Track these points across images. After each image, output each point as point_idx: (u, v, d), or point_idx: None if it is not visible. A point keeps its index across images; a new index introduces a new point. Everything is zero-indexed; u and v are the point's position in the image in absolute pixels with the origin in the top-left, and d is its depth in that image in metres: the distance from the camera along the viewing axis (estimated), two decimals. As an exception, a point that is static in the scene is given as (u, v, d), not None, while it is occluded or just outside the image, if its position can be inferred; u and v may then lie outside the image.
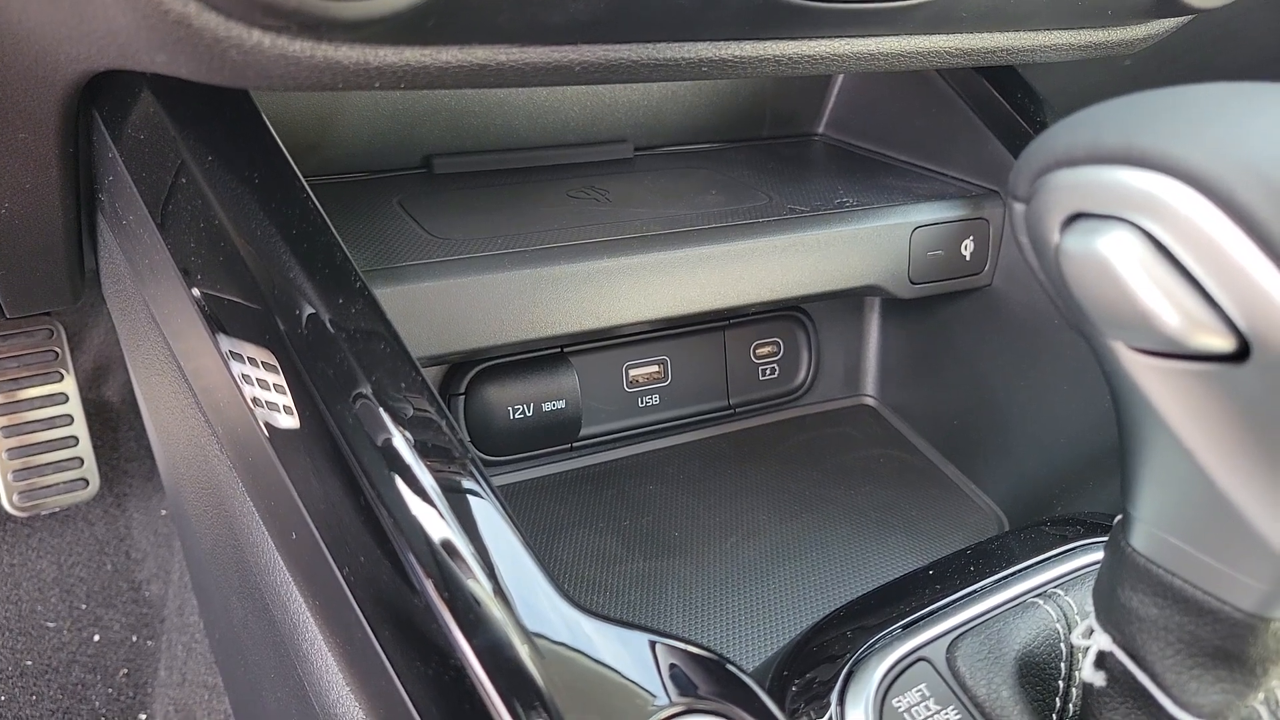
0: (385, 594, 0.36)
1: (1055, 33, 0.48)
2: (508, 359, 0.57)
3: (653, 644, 0.33)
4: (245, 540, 0.50)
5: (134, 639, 1.19)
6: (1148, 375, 0.29)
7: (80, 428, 1.10)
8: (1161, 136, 0.27)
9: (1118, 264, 0.27)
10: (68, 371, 1.10)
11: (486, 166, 0.64)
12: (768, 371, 0.67)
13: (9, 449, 1.06)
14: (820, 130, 0.75)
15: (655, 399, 0.64)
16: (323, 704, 0.46)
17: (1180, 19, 0.50)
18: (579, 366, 0.59)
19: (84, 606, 1.20)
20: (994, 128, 0.62)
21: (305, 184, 0.43)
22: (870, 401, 0.71)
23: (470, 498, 0.35)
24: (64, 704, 1.14)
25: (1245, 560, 0.30)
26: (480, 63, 0.37)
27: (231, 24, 0.32)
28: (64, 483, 1.11)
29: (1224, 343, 0.27)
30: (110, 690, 1.16)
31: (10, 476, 1.06)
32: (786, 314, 0.67)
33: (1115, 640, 0.34)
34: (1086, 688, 0.36)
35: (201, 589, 0.89)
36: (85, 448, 1.11)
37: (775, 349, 0.67)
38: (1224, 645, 0.32)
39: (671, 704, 0.31)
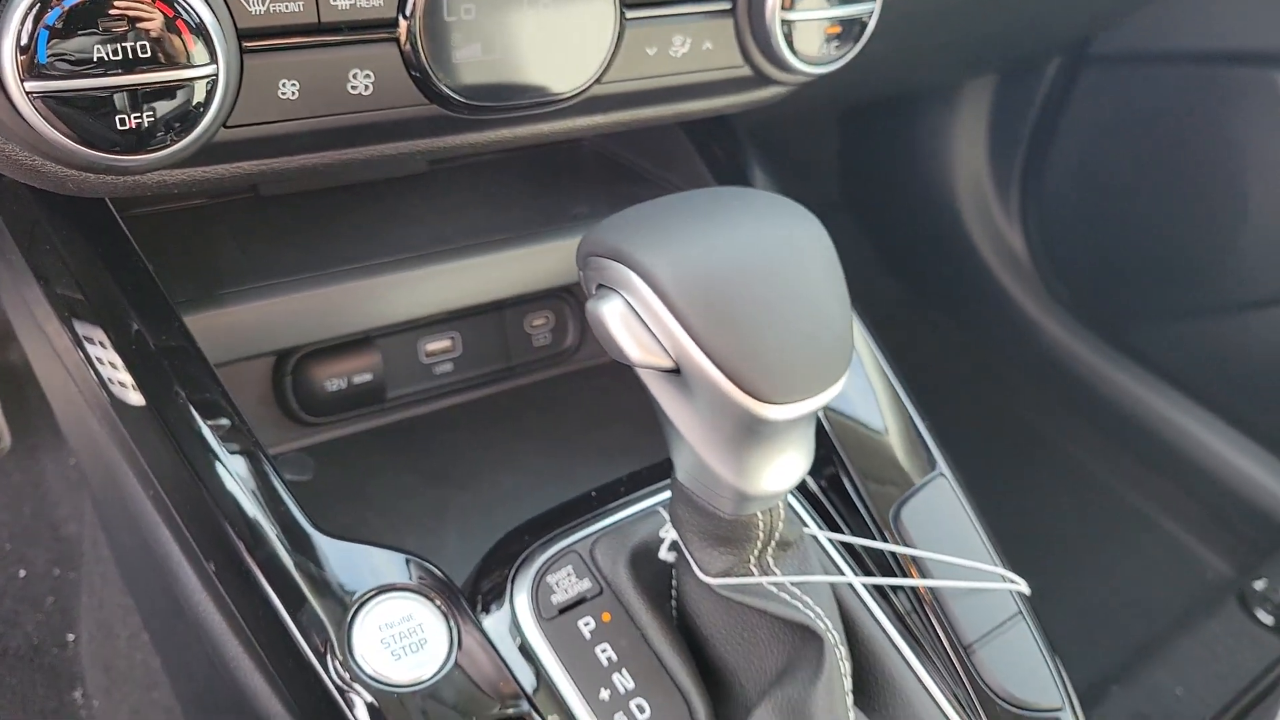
0: (205, 527, 0.55)
1: (691, 102, 0.66)
2: (325, 345, 0.75)
3: (373, 553, 0.53)
4: (125, 493, 0.67)
5: (57, 572, 1.35)
6: (646, 376, 0.48)
7: (-10, 394, 1.25)
8: (629, 242, 0.46)
9: (609, 319, 0.46)
10: (-27, 338, 1.23)
11: (303, 187, 0.80)
12: (541, 339, 0.86)
13: (-72, 411, 1.20)
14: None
15: (449, 366, 0.82)
16: (188, 601, 0.65)
17: (801, 81, 0.69)
18: (383, 346, 0.78)
19: (9, 547, 1.36)
20: (698, 148, 0.80)
21: (129, 235, 0.60)
22: (628, 357, 0.90)
23: (252, 464, 0.54)
24: (0, 630, 1.30)
25: (718, 486, 0.50)
26: (248, 171, 0.54)
27: (68, 170, 0.49)
28: (-20, 438, 1.26)
29: (667, 363, 0.46)
30: (40, 616, 1.33)
31: (-70, 435, 1.20)
32: (555, 293, 0.86)
33: (678, 533, 0.54)
34: (670, 563, 0.57)
35: (105, 525, 1.06)
36: (-4, 411, 1.26)
37: (546, 320, 0.86)
38: (720, 533, 0.52)
39: (375, 589, 0.50)
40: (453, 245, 0.74)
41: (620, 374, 0.90)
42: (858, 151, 1.98)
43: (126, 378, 0.57)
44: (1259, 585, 1.52)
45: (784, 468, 0.49)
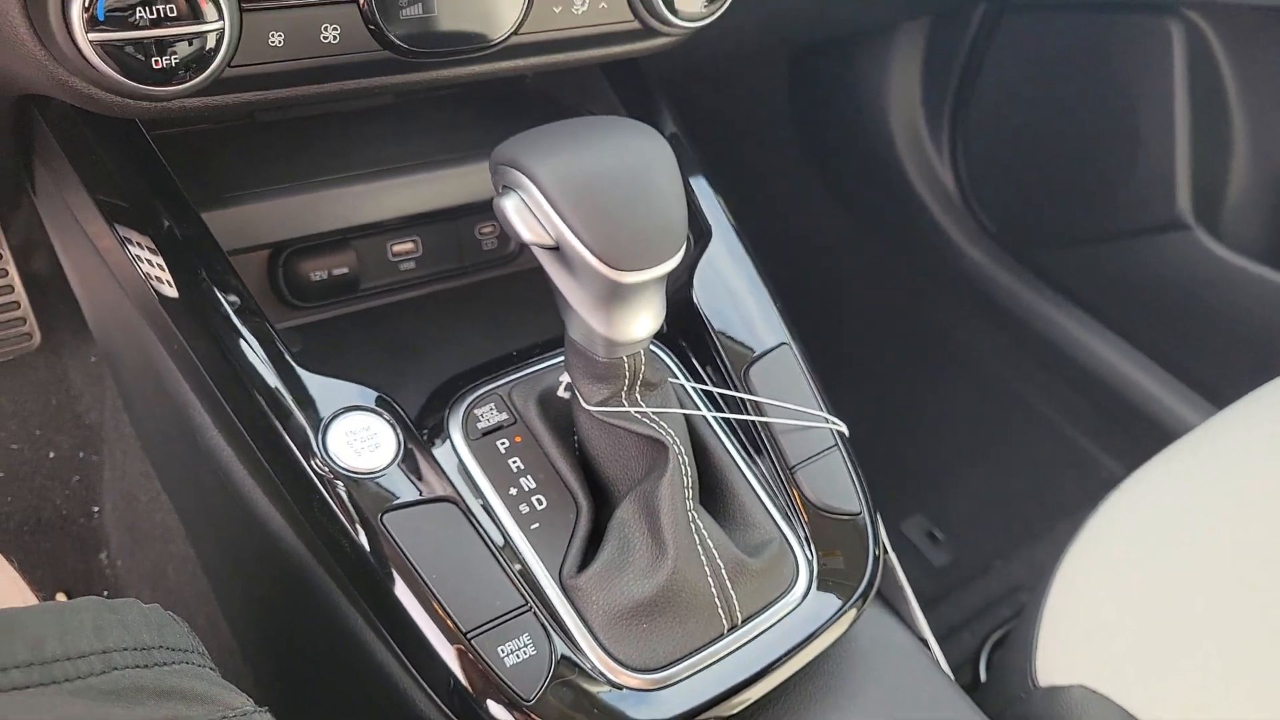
0: (220, 373, 0.74)
1: (594, 50, 0.83)
2: (308, 245, 0.93)
3: (345, 384, 0.72)
4: (157, 363, 0.86)
5: (81, 455, 1.54)
6: (538, 253, 0.67)
7: (20, 295, 1.42)
8: (522, 154, 0.64)
9: (508, 210, 0.64)
10: (4, 250, 1.40)
11: (291, 115, 0.98)
12: (489, 244, 1.04)
13: (-34, 313, 1.38)
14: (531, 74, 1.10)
15: (412, 264, 1.00)
16: (205, 447, 0.84)
17: (684, 32, 0.86)
18: (357, 246, 0.96)
19: (39, 433, 1.54)
20: (613, 84, 0.98)
21: (159, 153, 0.78)
22: (564, 260, 1.08)
23: (256, 327, 0.73)
24: (33, 502, 1.49)
25: (593, 336, 0.68)
26: (248, 101, 0.72)
27: (114, 97, 0.67)
28: (13, 336, 1.43)
29: (550, 242, 0.64)
30: (68, 492, 1.52)
31: (-31, 335, 1.38)
32: (501, 205, 1.04)
33: (570, 374, 0.73)
34: (567, 400, 0.76)
35: (130, 403, 1.25)
36: (26, 309, 1.43)
37: (493, 229, 1.04)
38: (598, 372, 0.70)
39: (343, 407, 0.70)
40: (414, 162, 0.92)
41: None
42: (806, 92, 2.14)
43: (165, 274, 0.75)
44: (1141, 479, 1.72)
45: (639, 322, 0.67)
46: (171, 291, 0.76)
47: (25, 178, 0.99)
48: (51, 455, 1.53)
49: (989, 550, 1.62)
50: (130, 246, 0.78)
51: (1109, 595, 0.91)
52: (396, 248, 0.99)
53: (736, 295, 0.86)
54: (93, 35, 0.60)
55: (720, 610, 0.70)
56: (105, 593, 1.44)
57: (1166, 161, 1.65)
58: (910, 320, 2.07)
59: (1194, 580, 0.90)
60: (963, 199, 2.03)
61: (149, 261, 0.77)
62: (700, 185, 0.94)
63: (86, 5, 0.59)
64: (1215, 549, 0.93)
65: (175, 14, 0.62)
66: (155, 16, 0.61)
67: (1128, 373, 1.80)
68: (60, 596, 1.42)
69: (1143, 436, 1.77)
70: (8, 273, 1.41)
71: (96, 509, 1.51)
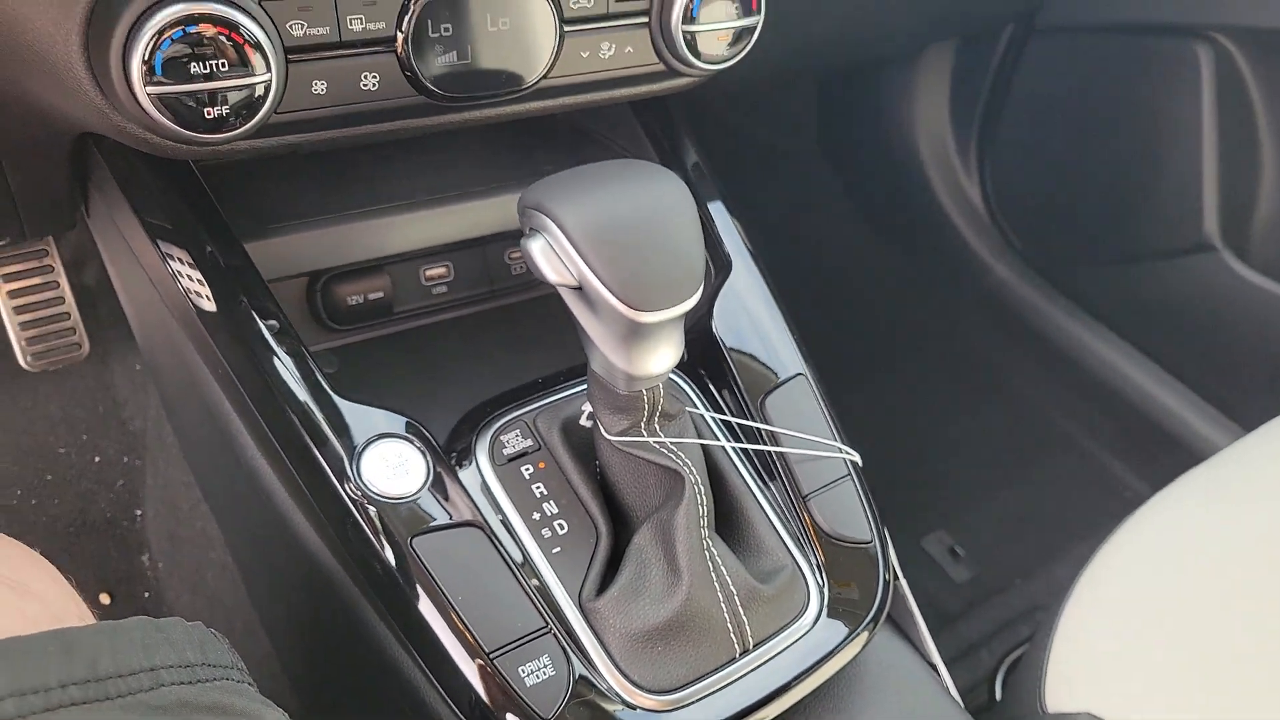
0: (260, 399, 0.78)
1: (620, 90, 0.87)
2: (345, 270, 0.97)
3: (378, 412, 0.75)
4: (195, 379, 0.90)
5: (125, 460, 1.60)
6: (562, 292, 0.70)
7: (71, 306, 1.48)
8: (548, 198, 0.67)
9: (534, 252, 0.67)
10: (57, 264, 1.47)
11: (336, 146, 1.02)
12: (518, 269, 1.07)
13: (22, 321, 1.44)
14: (560, 108, 1.13)
15: (444, 288, 1.04)
16: (245, 464, 0.88)
17: (708, 74, 0.89)
18: (391, 271, 1.00)
19: (85, 437, 1.60)
20: (637, 113, 1.01)
21: (203, 182, 0.82)
22: (590, 284, 1.12)
23: (293, 351, 0.77)
24: (79, 505, 1.56)
25: (614, 370, 0.71)
26: (292, 143, 0.76)
27: (167, 141, 0.71)
28: (63, 346, 1.49)
29: (573, 283, 0.67)
30: (112, 495, 1.58)
31: (25, 342, 1.45)
32: (530, 232, 1.07)
33: (592, 405, 0.77)
34: (589, 428, 0.79)
35: (173, 414, 1.30)
36: (76, 320, 1.49)
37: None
38: (619, 404, 0.73)
39: (377, 434, 0.73)
40: (447, 194, 0.96)
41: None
42: (835, 108, 2.16)
43: (204, 289, 0.80)
44: (1164, 499, 1.73)
45: (658, 359, 0.71)
46: (214, 314, 0.81)
47: (80, 198, 1.04)
48: (97, 460, 1.59)
49: (1010, 568, 1.64)
50: (172, 262, 0.82)
51: (1121, 621, 0.93)
52: (429, 272, 1.03)
53: (755, 326, 0.89)
54: (150, 88, 0.64)
55: (733, 635, 0.73)
56: (147, 594, 1.50)
57: (1194, 183, 1.66)
58: (936, 335, 2.09)
59: (1208, 609, 0.92)
60: (990, 216, 2.04)
61: (190, 277, 0.82)
62: (721, 216, 0.97)
63: (145, 59, 0.64)
64: (1231, 577, 0.94)
65: (226, 67, 0.66)
66: (208, 71, 0.65)
67: (1153, 393, 1.80)
68: (103, 597, 1.48)
69: (1167, 457, 1.77)
70: (59, 285, 1.47)
71: (139, 513, 1.57)
